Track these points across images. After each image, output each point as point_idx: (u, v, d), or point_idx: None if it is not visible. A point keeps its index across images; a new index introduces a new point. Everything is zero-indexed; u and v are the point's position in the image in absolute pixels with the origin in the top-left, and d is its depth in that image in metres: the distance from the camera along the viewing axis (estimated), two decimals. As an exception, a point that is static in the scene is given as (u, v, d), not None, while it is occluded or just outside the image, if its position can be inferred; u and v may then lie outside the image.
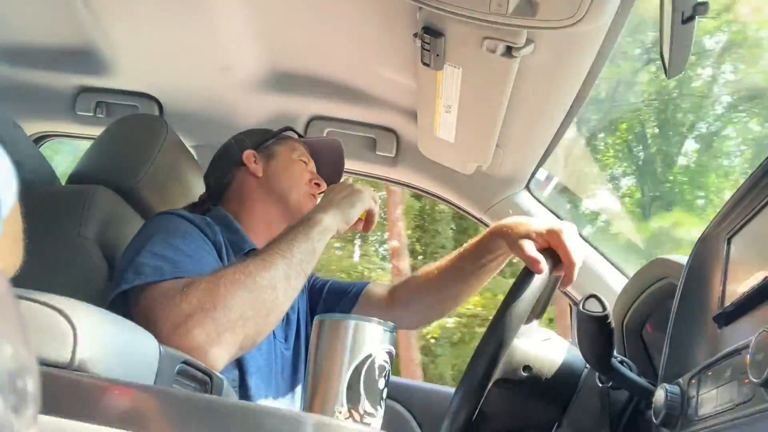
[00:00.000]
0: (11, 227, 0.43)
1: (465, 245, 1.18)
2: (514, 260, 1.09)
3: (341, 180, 1.37)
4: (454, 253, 1.19)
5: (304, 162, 1.28)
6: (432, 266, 1.24)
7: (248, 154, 1.25)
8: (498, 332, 0.85)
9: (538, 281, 0.88)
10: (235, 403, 0.54)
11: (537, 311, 0.99)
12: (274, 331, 1.08)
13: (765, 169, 0.71)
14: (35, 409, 0.23)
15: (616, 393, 0.92)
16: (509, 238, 1.00)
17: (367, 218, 1.12)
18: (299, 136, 1.38)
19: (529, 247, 0.93)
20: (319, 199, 1.19)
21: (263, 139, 1.30)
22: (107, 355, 0.53)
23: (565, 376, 0.96)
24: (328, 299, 1.27)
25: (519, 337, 0.92)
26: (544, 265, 0.90)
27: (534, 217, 1.56)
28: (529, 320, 0.94)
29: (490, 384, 0.86)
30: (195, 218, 1.05)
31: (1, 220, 0.25)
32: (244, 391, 0.99)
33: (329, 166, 1.34)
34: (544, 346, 0.97)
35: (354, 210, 1.06)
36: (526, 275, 0.90)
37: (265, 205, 1.21)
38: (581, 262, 0.95)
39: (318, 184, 1.26)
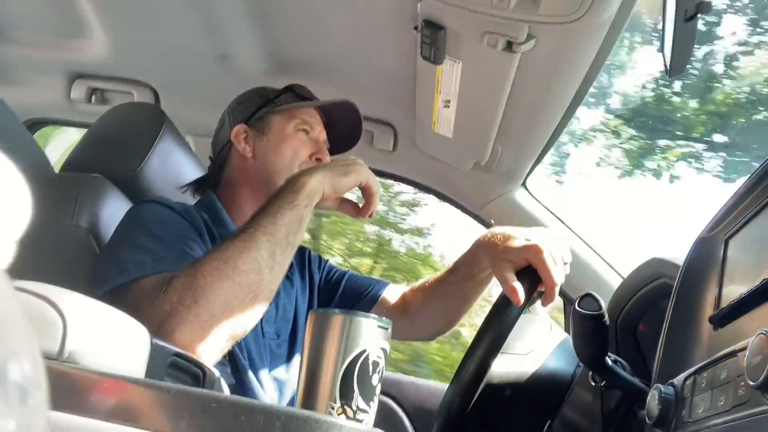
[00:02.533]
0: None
1: (456, 260, 1.15)
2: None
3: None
4: (448, 265, 1.17)
5: (306, 131, 1.14)
6: (431, 277, 1.21)
7: (237, 131, 1.15)
8: (476, 360, 0.85)
9: (515, 310, 0.87)
10: (227, 397, 0.54)
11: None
12: (263, 328, 1.05)
13: (764, 170, 0.70)
14: (45, 416, 0.21)
15: (609, 392, 0.92)
16: (490, 256, 0.97)
17: (367, 196, 1.01)
18: (305, 98, 1.19)
19: (508, 272, 0.90)
20: None
21: (256, 108, 1.17)
22: (98, 346, 0.53)
23: (549, 390, 0.95)
24: (346, 294, 1.24)
25: (503, 352, 0.91)
26: (522, 294, 0.87)
27: (529, 216, 1.56)
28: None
29: (475, 397, 0.86)
30: (176, 205, 1.01)
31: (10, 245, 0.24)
32: (235, 387, 0.98)
33: (343, 132, 1.21)
34: (526, 361, 0.96)
35: (346, 179, 0.96)
36: (504, 300, 0.89)
37: (252, 190, 1.12)
38: (563, 278, 0.92)
39: (319, 159, 1.13)
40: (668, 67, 0.91)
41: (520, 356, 0.97)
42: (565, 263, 0.94)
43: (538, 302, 0.96)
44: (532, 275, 0.91)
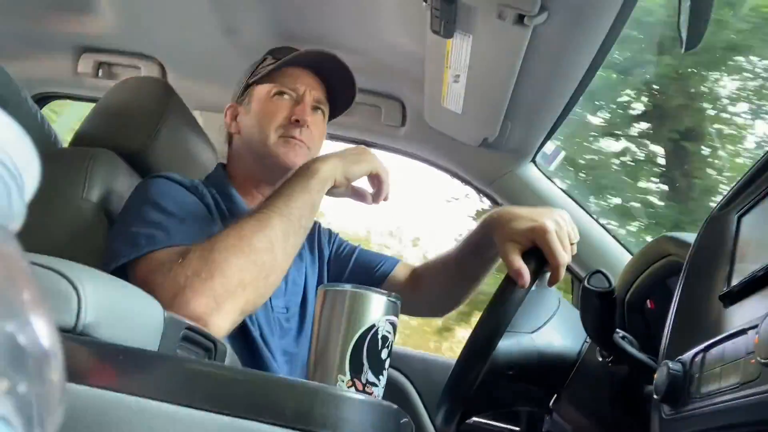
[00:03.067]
0: None
1: (464, 237, 1.14)
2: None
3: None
4: (456, 243, 1.17)
5: (285, 93, 1.11)
6: (440, 255, 1.21)
7: (227, 111, 1.17)
8: (481, 341, 0.85)
9: (521, 291, 0.87)
10: (240, 370, 0.54)
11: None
12: (271, 302, 1.07)
13: (780, 147, 0.69)
14: (60, 396, 0.21)
15: (616, 368, 0.93)
16: (496, 236, 0.97)
17: (377, 184, 1.02)
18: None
19: (514, 254, 0.90)
20: (298, 145, 1.09)
21: (244, 85, 1.17)
22: (112, 319, 0.53)
23: (554, 368, 0.96)
24: (356, 269, 1.24)
25: (509, 330, 0.91)
26: (527, 277, 0.87)
27: (538, 192, 1.55)
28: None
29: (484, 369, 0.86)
30: (184, 180, 1.02)
31: (23, 204, 0.23)
32: (247, 361, 0.99)
33: (339, 88, 1.17)
34: (532, 340, 0.96)
35: (357, 167, 0.98)
36: (509, 281, 0.88)
37: (246, 165, 1.14)
38: (569, 259, 0.92)
39: (297, 120, 1.08)
40: (684, 40, 0.90)
41: (525, 334, 0.97)
42: (572, 243, 0.94)
43: (548, 275, 0.96)
44: (538, 256, 0.90)
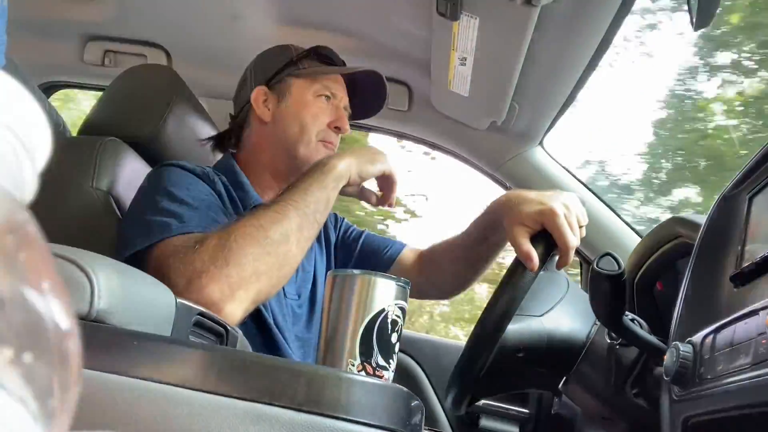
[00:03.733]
0: None
1: (472, 220, 1.14)
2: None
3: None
4: (464, 227, 1.16)
5: (327, 96, 1.12)
6: (447, 238, 1.21)
7: (257, 93, 1.12)
8: (490, 324, 0.85)
9: (529, 274, 0.87)
10: (253, 355, 0.55)
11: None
12: (284, 289, 1.07)
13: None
14: (78, 370, 0.22)
15: (625, 350, 0.93)
16: (505, 220, 0.96)
17: (386, 185, 1.05)
18: (330, 61, 1.17)
19: (522, 238, 0.90)
20: (331, 150, 1.12)
21: (277, 70, 1.14)
22: (124, 306, 0.54)
23: (563, 351, 0.96)
24: (363, 254, 1.25)
25: (518, 313, 0.91)
26: (536, 260, 0.87)
27: (547, 176, 1.55)
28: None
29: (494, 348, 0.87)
30: (196, 168, 1.02)
31: (35, 180, 0.23)
32: (261, 347, 1.00)
33: (367, 98, 1.20)
34: (541, 323, 0.97)
35: (372, 167, 1.01)
36: (518, 265, 0.88)
37: (271, 156, 1.12)
38: (578, 242, 0.92)
39: (338, 128, 1.12)
40: (694, 20, 0.88)
41: (535, 318, 0.97)
42: (581, 226, 0.94)
43: (556, 258, 0.96)
44: (547, 239, 0.90)
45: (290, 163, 1.11)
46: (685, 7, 0.90)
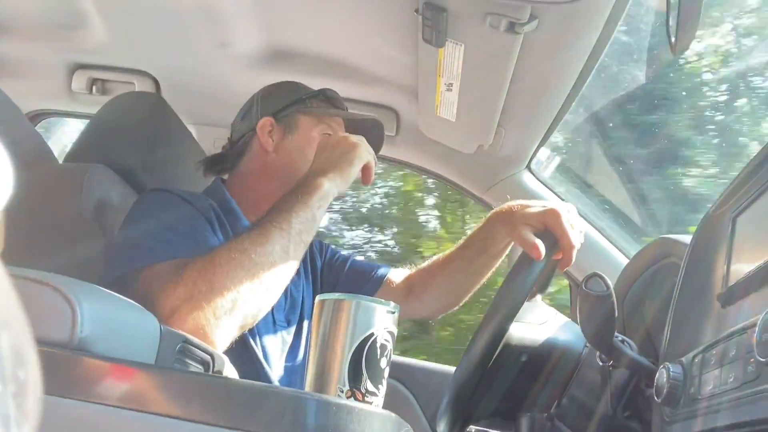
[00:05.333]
0: None
1: (468, 234, 1.18)
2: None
3: None
4: (459, 241, 1.20)
5: (330, 135, 1.14)
6: (440, 255, 1.23)
7: (264, 123, 1.14)
8: (497, 315, 0.85)
9: (536, 266, 0.89)
10: (239, 382, 0.54)
11: (539, 288, 0.99)
12: (274, 315, 1.06)
13: (772, 147, 0.70)
14: (35, 397, 0.22)
15: (617, 371, 0.92)
16: (508, 225, 1.02)
17: (365, 171, 1.04)
18: (337, 103, 1.21)
19: (527, 233, 0.94)
20: None
21: (286, 104, 1.17)
22: (107, 334, 0.53)
23: (563, 359, 0.96)
24: (350, 278, 1.25)
25: (518, 320, 0.93)
26: (542, 250, 0.91)
27: (535, 198, 1.56)
28: (532, 296, 0.94)
29: (489, 363, 0.87)
30: (185, 193, 1.01)
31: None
32: (248, 374, 0.99)
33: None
34: (541, 331, 0.98)
35: (353, 168, 0.99)
36: (524, 260, 0.91)
37: (270, 186, 1.11)
38: (580, 243, 0.96)
39: None
40: (673, 44, 0.90)
41: (535, 325, 0.98)
42: (580, 231, 0.98)
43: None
44: (550, 238, 0.93)
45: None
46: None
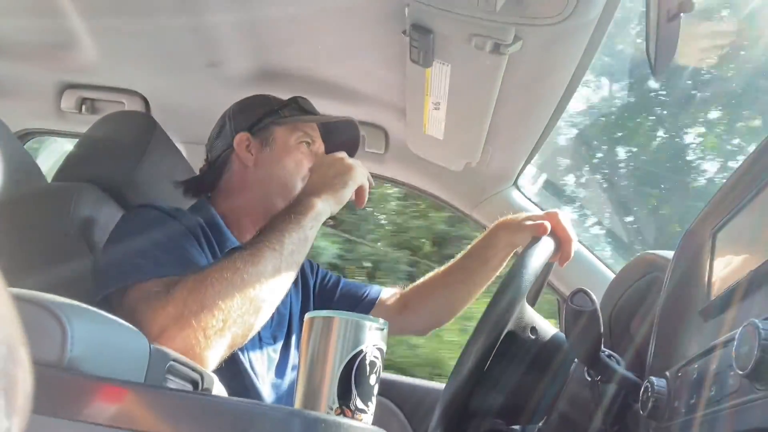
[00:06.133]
0: None
1: (470, 245, 1.22)
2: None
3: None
4: (460, 254, 1.23)
5: (308, 143, 1.16)
6: (438, 270, 1.26)
7: (240, 139, 1.14)
8: (505, 295, 0.85)
9: (543, 247, 0.94)
10: (228, 399, 0.54)
11: (530, 299, 0.99)
12: (260, 333, 1.06)
13: (750, 163, 0.72)
14: (26, 394, 0.23)
15: (605, 386, 0.93)
16: (511, 226, 1.12)
17: (359, 193, 1.05)
18: (310, 111, 1.21)
19: (530, 222, 1.07)
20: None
21: (259, 117, 1.17)
22: (97, 353, 0.53)
23: (562, 357, 0.95)
24: (343, 299, 1.25)
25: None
26: (548, 228, 1.01)
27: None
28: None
29: (494, 350, 0.85)
30: (171, 210, 1.01)
31: None
32: (235, 392, 0.98)
33: (341, 141, 1.22)
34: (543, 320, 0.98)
35: (347, 190, 1.00)
36: (530, 245, 0.95)
37: (253, 201, 1.13)
38: (577, 240, 1.05)
39: None
40: (653, 66, 0.93)
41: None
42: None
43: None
44: (551, 236, 1.01)
45: (271, 207, 1.11)
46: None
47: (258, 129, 1.16)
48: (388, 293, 1.28)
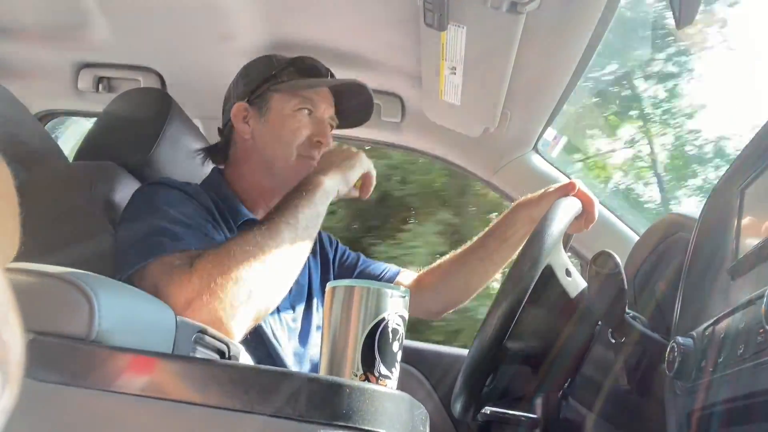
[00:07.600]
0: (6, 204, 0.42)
1: (489, 226, 1.23)
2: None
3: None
4: (480, 234, 1.24)
5: (309, 110, 1.11)
6: (460, 249, 1.27)
7: (237, 110, 1.12)
8: (534, 248, 0.84)
9: (570, 203, 0.96)
10: (253, 367, 0.55)
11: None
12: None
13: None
14: (18, 360, 0.24)
15: (629, 348, 0.92)
16: (531, 201, 1.15)
17: (365, 183, 1.10)
18: (314, 72, 1.14)
19: (556, 187, 1.11)
20: (314, 164, 1.10)
21: (257, 84, 1.12)
22: (125, 326, 0.54)
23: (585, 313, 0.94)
24: (362, 276, 1.28)
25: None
26: (576, 189, 1.06)
27: (543, 177, 1.56)
28: None
29: (525, 300, 0.85)
30: (183, 185, 1.02)
31: None
32: (259, 362, 1.00)
33: (354, 107, 1.19)
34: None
35: (353, 172, 1.05)
36: (557, 203, 0.94)
37: (254, 173, 1.12)
38: (598, 204, 1.08)
39: (320, 142, 1.10)
40: (678, 17, 0.89)
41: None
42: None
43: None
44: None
45: (273, 180, 1.11)
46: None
47: (256, 97, 1.12)
48: (406, 273, 1.30)
